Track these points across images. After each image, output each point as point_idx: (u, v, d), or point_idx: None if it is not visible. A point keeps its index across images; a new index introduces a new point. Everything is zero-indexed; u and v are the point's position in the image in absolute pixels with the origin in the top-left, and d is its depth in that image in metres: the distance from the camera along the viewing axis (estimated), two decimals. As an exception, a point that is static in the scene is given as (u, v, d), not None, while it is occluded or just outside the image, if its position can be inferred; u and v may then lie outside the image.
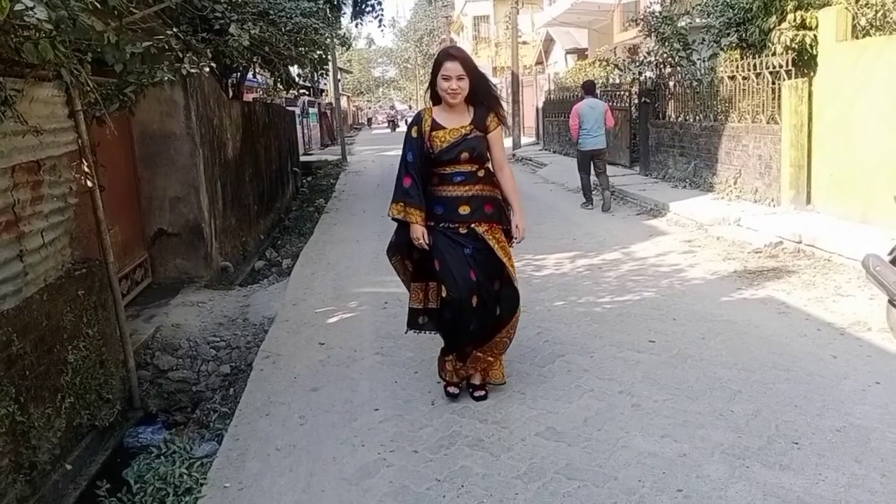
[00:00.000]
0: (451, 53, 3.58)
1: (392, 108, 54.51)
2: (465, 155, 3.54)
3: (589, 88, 10.40)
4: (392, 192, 3.67)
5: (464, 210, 3.56)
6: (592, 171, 10.11)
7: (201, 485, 3.25)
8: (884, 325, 4.53)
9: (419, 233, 3.56)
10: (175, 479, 3.38)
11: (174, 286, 6.52)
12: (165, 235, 6.64)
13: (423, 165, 3.58)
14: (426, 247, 3.58)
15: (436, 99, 3.65)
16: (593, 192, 10.24)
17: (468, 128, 3.57)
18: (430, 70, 3.70)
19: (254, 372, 4.55)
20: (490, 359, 3.79)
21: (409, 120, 4.08)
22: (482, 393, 3.82)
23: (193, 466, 3.50)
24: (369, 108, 61.54)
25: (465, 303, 3.52)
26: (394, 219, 3.65)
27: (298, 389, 4.20)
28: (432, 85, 3.64)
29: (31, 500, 3.27)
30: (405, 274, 3.87)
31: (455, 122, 3.58)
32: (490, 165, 3.67)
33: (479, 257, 3.57)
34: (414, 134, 3.62)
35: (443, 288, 3.62)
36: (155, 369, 4.96)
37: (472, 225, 3.56)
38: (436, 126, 3.57)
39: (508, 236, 3.70)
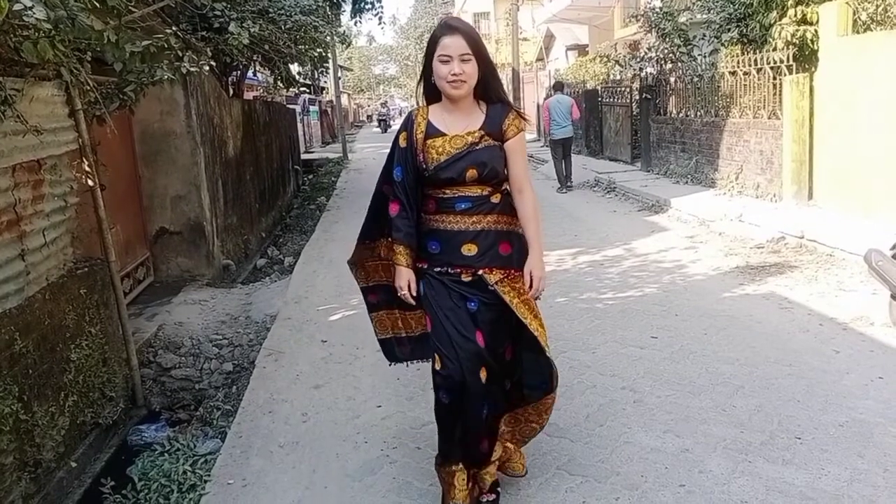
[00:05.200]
0: (452, 25, 2.57)
1: (384, 104, 46.59)
2: (471, 173, 2.54)
3: (558, 87, 13.01)
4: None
5: (468, 250, 2.58)
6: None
7: (205, 482, 3.26)
8: (886, 319, 4.53)
9: (404, 280, 2.63)
10: (179, 476, 3.39)
11: (176, 284, 6.52)
12: (167, 234, 6.65)
13: (418, 184, 2.63)
14: (412, 300, 2.66)
15: (432, 96, 2.68)
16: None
17: (477, 134, 2.57)
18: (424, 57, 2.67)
19: (256, 369, 4.56)
20: (509, 444, 2.90)
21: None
22: (492, 497, 2.80)
23: (197, 463, 3.51)
24: (369, 106, 61.41)
25: (471, 378, 2.56)
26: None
27: (301, 387, 4.20)
28: (425, 75, 2.65)
29: (36, 498, 3.28)
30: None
31: (459, 125, 2.59)
32: (507, 186, 2.69)
33: (489, 315, 2.62)
34: (402, 143, 2.64)
35: (435, 359, 2.63)
36: (158, 367, 4.97)
37: (481, 272, 2.58)
38: (432, 132, 2.59)
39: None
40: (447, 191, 2.59)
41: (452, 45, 2.49)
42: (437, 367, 2.61)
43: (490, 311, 2.61)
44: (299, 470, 3.24)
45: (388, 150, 2.73)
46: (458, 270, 2.60)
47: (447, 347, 2.57)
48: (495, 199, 2.62)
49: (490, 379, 2.61)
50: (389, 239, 2.72)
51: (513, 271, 2.62)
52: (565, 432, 3.38)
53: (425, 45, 2.61)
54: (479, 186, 2.59)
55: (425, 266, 2.66)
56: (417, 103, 2.76)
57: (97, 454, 3.97)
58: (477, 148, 2.56)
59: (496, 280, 2.58)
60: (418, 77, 2.69)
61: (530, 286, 2.58)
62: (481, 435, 2.69)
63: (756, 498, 2.76)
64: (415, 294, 2.66)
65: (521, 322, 2.62)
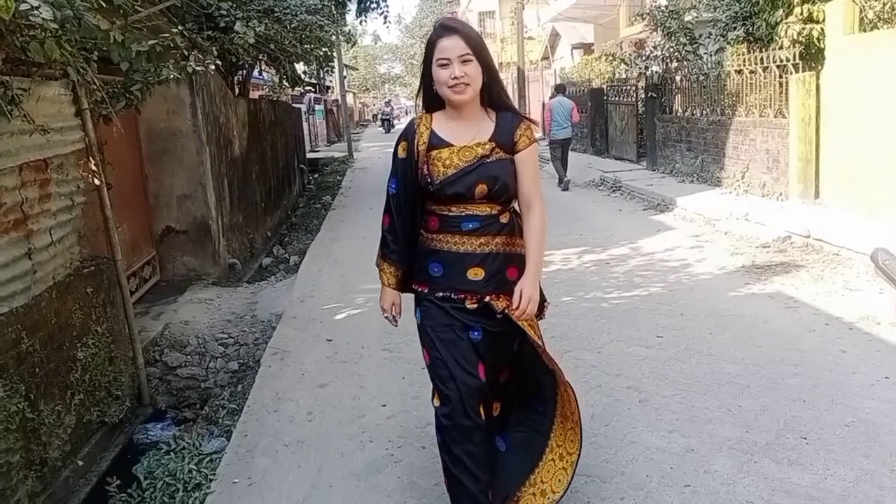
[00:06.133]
0: (448, 26, 2.34)
1: (387, 103, 44.19)
2: (481, 188, 2.32)
3: (560, 89, 13.33)
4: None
5: (475, 274, 2.37)
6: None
7: (210, 480, 3.27)
8: (893, 319, 4.51)
9: (388, 302, 2.54)
10: (184, 475, 3.40)
11: (182, 283, 6.54)
12: (173, 233, 6.67)
13: (415, 200, 2.44)
14: (394, 324, 2.60)
15: (433, 103, 2.45)
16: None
17: (488, 145, 2.35)
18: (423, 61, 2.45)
19: (262, 368, 4.57)
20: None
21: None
22: None
23: (202, 462, 3.52)
24: (374, 105, 61.39)
25: (473, 414, 2.38)
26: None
27: (306, 386, 4.21)
28: (425, 81, 2.42)
29: (42, 496, 3.30)
30: None
31: (467, 135, 2.37)
32: (517, 205, 2.47)
33: (493, 342, 2.44)
34: (401, 153, 2.44)
35: (434, 395, 2.46)
36: (164, 366, 4.98)
37: (487, 298, 2.38)
38: (436, 142, 2.37)
39: (540, 309, 2.51)
40: (453, 208, 2.37)
41: (450, 46, 2.28)
42: (437, 403, 2.44)
43: (494, 338, 2.43)
44: (305, 469, 3.25)
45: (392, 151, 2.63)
46: (463, 296, 2.39)
47: (448, 384, 2.38)
48: (504, 218, 2.41)
49: (484, 411, 2.47)
50: (380, 254, 2.56)
51: None
52: (570, 432, 3.37)
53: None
54: (489, 205, 2.37)
55: (425, 290, 2.45)
56: (416, 111, 2.56)
57: (103, 453, 3.98)
58: (488, 161, 2.34)
59: (503, 307, 2.38)
60: (419, 83, 2.52)
61: (517, 306, 2.33)
62: (486, 477, 2.44)
63: (761, 498, 2.76)
64: (399, 318, 2.58)
65: (523, 345, 2.49)
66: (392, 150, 2.53)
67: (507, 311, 2.37)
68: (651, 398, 3.68)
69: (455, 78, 2.27)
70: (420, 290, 2.48)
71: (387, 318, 2.58)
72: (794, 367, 3.97)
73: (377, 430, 3.56)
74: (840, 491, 2.78)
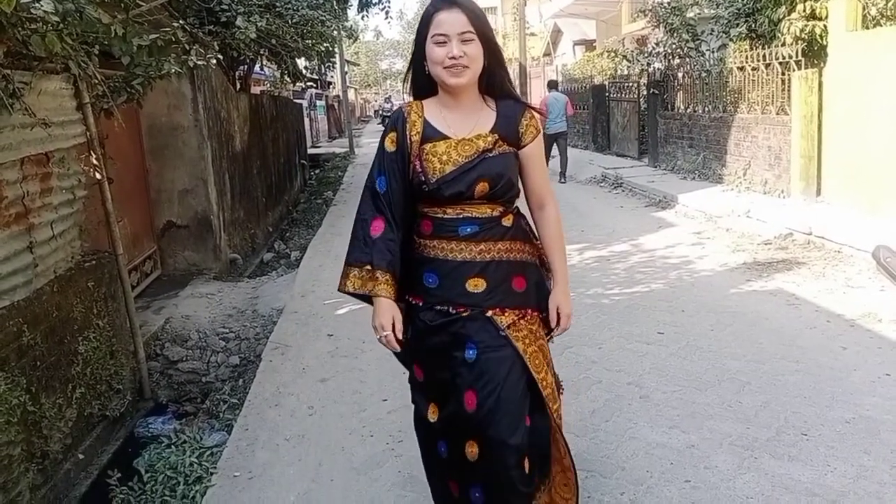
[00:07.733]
0: None
1: (387, 99, 42.85)
2: (482, 186, 2.01)
3: (553, 85, 13.75)
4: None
5: (475, 286, 2.05)
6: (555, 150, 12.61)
7: (211, 474, 3.28)
8: (894, 316, 4.51)
9: (387, 319, 2.04)
10: (185, 469, 3.41)
11: (183, 278, 6.55)
12: (174, 227, 6.68)
13: (407, 198, 2.09)
14: (396, 346, 2.07)
15: (422, 88, 2.13)
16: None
17: (490, 138, 2.04)
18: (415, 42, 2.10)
19: (263, 363, 4.57)
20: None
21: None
22: None
23: (203, 456, 3.52)
24: (376, 101, 61.32)
25: (459, 452, 2.09)
26: (353, 294, 2.14)
27: (307, 380, 4.22)
28: (415, 64, 2.10)
29: (44, 489, 3.31)
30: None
31: (465, 126, 2.06)
32: (519, 205, 2.18)
33: (491, 367, 2.03)
34: (390, 146, 2.08)
35: (430, 410, 2.16)
36: (165, 360, 4.99)
37: (489, 313, 2.05)
38: (431, 134, 2.05)
39: (547, 326, 2.19)
40: (448, 210, 2.04)
41: (450, 21, 1.96)
42: (433, 418, 2.13)
43: (494, 363, 2.03)
44: (305, 463, 3.25)
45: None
46: (460, 309, 2.05)
47: (439, 401, 2.11)
48: (507, 221, 2.08)
49: (485, 455, 2.04)
50: (368, 267, 2.08)
51: (529, 311, 2.11)
52: (570, 427, 3.36)
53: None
54: (489, 206, 2.05)
55: (420, 303, 2.11)
56: (403, 98, 2.28)
57: (104, 446, 3.99)
58: (490, 155, 2.02)
59: (508, 323, 2.05)
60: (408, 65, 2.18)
61: (557, 323, 2.13)
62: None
63: (762, 494, 2.76)
64: (401, 337, 2.07)
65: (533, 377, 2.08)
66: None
67: (509, 329, 2.05)
68: (652, 394, 3.68)
69: (453, 58, 1.96)
70: (416, 302, 2.12)
71: (383, 338, 2.06)
72: (795, 363, 3.97)
73: (378, 424, 3.56)
74: (840, 487, 2.78)
